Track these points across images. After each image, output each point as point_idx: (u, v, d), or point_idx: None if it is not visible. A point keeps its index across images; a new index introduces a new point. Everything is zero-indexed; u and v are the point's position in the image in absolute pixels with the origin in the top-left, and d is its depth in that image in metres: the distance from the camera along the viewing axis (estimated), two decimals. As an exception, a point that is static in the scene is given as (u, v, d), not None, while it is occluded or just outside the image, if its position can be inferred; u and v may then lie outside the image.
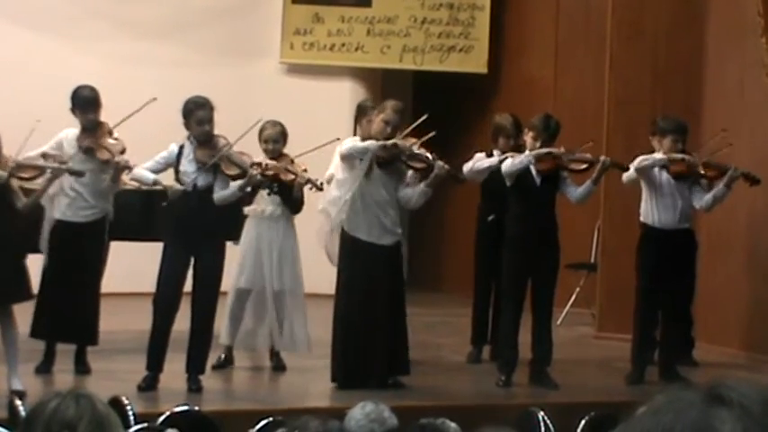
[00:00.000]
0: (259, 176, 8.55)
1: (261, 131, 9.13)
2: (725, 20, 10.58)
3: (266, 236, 9.10)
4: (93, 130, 8.68)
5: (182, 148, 8.42)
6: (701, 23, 10.72)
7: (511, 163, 8.87)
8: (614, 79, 10.98)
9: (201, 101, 8.40)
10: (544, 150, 8.83)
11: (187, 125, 8.41)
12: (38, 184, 8.22)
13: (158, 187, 8.49)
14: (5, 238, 7.96)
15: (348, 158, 8.53)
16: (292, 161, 9.11)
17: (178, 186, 8.37)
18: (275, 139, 9.13)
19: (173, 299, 8.29)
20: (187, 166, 8.36)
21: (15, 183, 8.04)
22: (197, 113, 8.34)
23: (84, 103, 8.69)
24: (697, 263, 9.42)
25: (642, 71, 10.83)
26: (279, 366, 9.18)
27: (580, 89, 12.36)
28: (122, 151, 8.63)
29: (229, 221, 8.62)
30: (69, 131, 8.71)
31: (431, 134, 8.58)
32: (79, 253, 8.59)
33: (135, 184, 9.01)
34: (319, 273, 9.72)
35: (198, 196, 8.31)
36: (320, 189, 8.92)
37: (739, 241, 10.30)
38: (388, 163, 8.52)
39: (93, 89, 8.77)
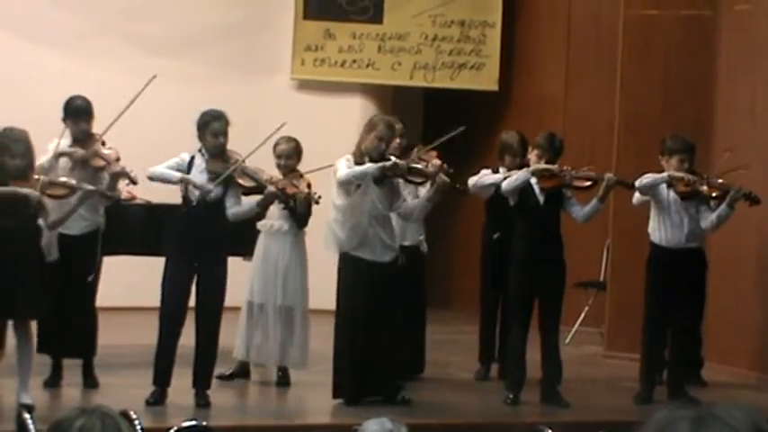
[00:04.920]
0: (277, 191, 8.55)
1: (275, 146, 9.17)
2: (736, 40, 10.58)
3: (274, 250, 9.12)
4: (84, 140, 8.66)
5: (192, 158, 8.41)
6: (712, 43, 10.72)
7: (508, 181, 8.88)
8: (625, 98, 10.98)
9: (218, 113, 8.41)
10: (542, 166, 8.84)
11: (201, 137, 8.40)
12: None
13: (189, 185, 8.31)
14: (31, 253, 7.96)
15: (346, 185, 8.53)
16: (302, 176, 9.13)
17: (204, 184, 8.29)
18: (288, 154, 9.15)
19: (178, 313, 8.28)
20: (198, 177, 8.35)
21: (45, 200, 8.05)
22: (213, 125, 8.35)
23: (77, 113, 8.67)
24: (707, 282, 9.40)
25: (653, 91, 10.83)
26: (283, 381, 9.17)
27: (590, 108, 12.36)
28: (117, 159, 8.61)
29: (231, 236, 8.58)
30: (61, 141, 8.67)
31: (460, 129, 8.65)
32: (75, 266, 8.56)
33: (140, 200, 9.00)
34: (320, 289, 9.72)
35: (206, 209, 8.31)
36: (316, 203, 8.92)
37: (749, 261, 10.28)
38: (383, 179, 8.54)
39: (85, 99, 8.74)
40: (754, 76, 10.38)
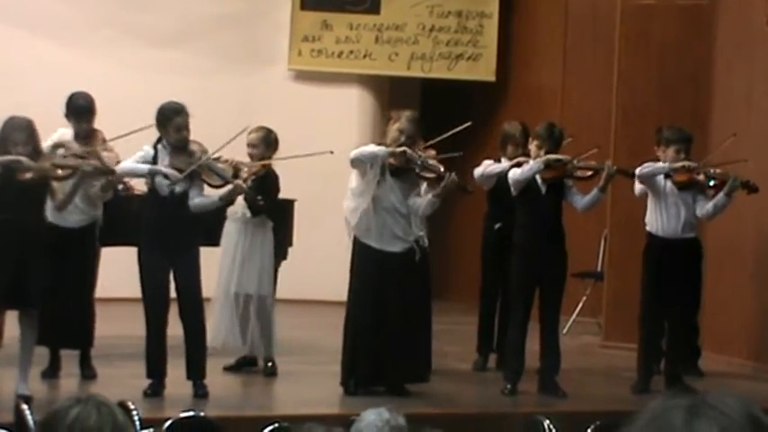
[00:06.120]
0: (243, 186, 8.50)
1: (248, 134, 9.17)
2: (733, 30, 10.58)
3: (234, 236, 9.13)
4: (86, 137, 8.68)
5: (156, 152, 8.35)
6: (709, 33, 10.72)
7: (519, 171, 8.87)
8: (622, 89, 10.99)
9: (179, 107, 8.34)
10: (554, 157, 8.84)
11: (163, 131, 8.32)
12: None
13: (158, 174, 8.35)
14: (39, 245, 7.97)
15: (357, 164, 8.53)
16: (264, 166, 9.10)
17: (173, 172, 8.29)
18: (254, 143, 9.15)
19: (161, 303, 8.27)
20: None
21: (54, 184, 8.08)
22: (176, 120, 8.28)
23: (79, 110, 8.69)
24: (703, 272, 9.41)
25: (650, 81, 10.84)
26: (269, 371, 9.18)
27: (588, 98, 12.36)
28: (117, 163, 8.62)
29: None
30: (64, 131, 8.69)
31: (466, 125, 8.64)
32: (71, 258, 8.56)
33: (138, 191, 8.99)
34: (322, 280, 9.72)
35: (174, 203, 8.27)
36: (253, 200, 8.79)
37: (746, 250, 10.29)
38: (401, 171, 8.53)
39: (87, 97, 8.75)
40: (751, 65, 10.38)
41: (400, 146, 8.50)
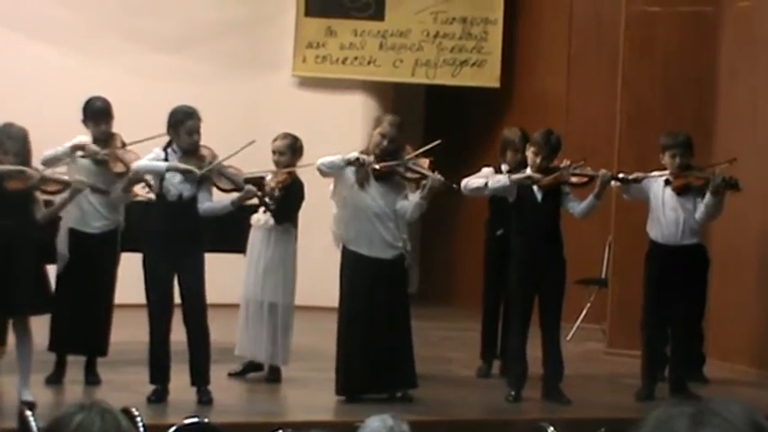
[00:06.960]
0: (254, 191, 8.51)
1: (272, 142, 9.20)
2: (737, 36, 10.58)
3: (257, 245, 9.14)
4: (104, 141, 8.71)
5: (165, 155, 8.36)
6: (714, 40, 10.72)
7: (491, 183, 8.91)
8: (626, 95, 10.98)
9: (191, 110, 8.34)
10: (523, 175, 8.86)
11: (174, 134, 8.31)
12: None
13: (178, 171, 8.29)
14: (26, 248, 7.97)
15: (322, 174, 8.54)
16: (289, 174, 9.12)
17: (191, 168, 8.26)
18: (281, 151, 9.18)
19: (166, 308, 8.28)
20: (173, 175, 8.32)
21: (38, 194, 8.09)
22: (187, 123, 8.28)
23: (97, 114, 8.72)
24: (708, 279, 9.39)
25: (654, 87, 10.83)
26: (272, 378, 9.18)
27: (592, 104, 12.36)
28: None
29: (223, 232, 8.59)
30: (82, 138, 8.72)
31: (436, 143, 8.65)
32: (92, 264, 8.61)
33: (142, 197, 9.00)
34: (322, 286, 9.71)
35: (182, 207, 8.28)
36: (268, 209, 8.85)
37: (751, 257, 10.28)
38: (385, 176, 8.53)
39: (104, 100, 8.79)
40: (755, 72, 10.37)
41: (385, 151, 8.51)
